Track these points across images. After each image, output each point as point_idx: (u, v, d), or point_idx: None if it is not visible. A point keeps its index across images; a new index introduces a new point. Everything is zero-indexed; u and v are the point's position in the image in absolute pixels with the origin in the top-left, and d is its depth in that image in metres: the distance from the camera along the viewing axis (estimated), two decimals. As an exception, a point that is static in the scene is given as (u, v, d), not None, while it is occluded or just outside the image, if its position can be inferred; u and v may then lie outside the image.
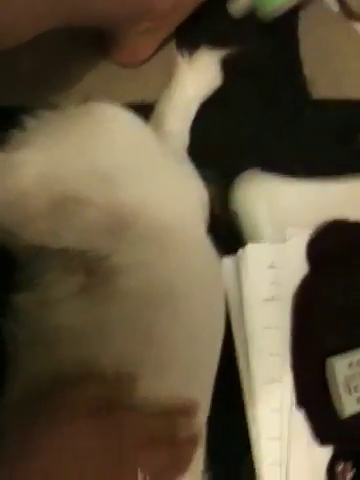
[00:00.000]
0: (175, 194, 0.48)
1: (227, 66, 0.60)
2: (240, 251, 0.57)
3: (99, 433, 0.42)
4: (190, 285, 0.47)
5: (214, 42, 0.60)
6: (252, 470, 0.55)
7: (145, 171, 0.47)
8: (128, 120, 0.47)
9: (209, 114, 0.60)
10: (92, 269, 0.43)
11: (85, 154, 0.44)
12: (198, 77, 0.58)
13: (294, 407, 0.56)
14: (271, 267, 0.56)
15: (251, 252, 0.56)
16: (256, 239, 0.58)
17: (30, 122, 0.44)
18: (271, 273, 0.56)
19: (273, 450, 0.55)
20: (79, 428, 0.41)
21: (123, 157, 0.45)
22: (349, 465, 0.56)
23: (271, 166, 0.60)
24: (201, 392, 0.49)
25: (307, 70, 0.66)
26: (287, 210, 0.58)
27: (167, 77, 0.59)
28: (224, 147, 0.61)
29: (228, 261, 0.57)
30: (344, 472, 0.56)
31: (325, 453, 0.56)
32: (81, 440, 0.41)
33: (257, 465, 0.55)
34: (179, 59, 0.59)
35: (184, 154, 0.56)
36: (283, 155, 0.62)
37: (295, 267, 0.57)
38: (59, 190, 0.42)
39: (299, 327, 0.56)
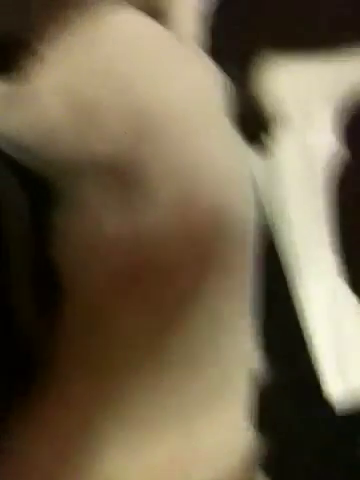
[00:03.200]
0: (195, 85, 0.46)
1: None
2: (265, 137, 0.56)
3: None
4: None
5: None
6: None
7: (163, 66, 0.45)
8: (140, 20, 0.45)
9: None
10: (124, 180, 0.43)
11: (100, 57, 0.42)
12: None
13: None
14: (300, 146, 0.56)
15: (278, 135, 0.55)
16: (282, 121, 0.57)
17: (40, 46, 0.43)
18: (301, 152, 0.56)
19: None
20: None
21: (139, 54, 0.43)
22: None
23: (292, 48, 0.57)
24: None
25: None
26: (311, 86, 0.56)
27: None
28: (240, 36, 0.58)
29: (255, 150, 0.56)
30: None
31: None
32: None
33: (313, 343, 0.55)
34: None
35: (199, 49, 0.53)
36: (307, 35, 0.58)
37: (325, 143, 0.56)
38: (78, 97, 0.41)
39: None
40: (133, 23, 0.45)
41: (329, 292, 0.56)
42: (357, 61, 0.57)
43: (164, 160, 0.43)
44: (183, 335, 0.41)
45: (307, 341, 0.56)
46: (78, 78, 0.41)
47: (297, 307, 0.56)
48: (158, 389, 0.40)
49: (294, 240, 0.56)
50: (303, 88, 0.56)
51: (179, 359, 0.40)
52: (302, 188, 0.56)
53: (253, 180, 0.53)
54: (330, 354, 0.55)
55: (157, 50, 0.45)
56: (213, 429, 0.45)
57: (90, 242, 0.43)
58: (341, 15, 0.60)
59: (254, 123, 0.57)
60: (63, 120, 0.40)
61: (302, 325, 0.56)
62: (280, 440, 0.50)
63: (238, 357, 0.45)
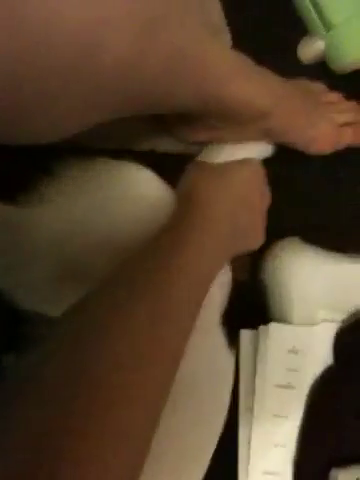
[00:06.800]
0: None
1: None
2: (261, 328, 0.52)
3: None
4: (197, 376, 0.42)
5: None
6: None
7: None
8: (155, 189, 0.42)
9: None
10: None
11: (102, 225, 0.39)
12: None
13: (289, 505, 0.52)
14: (292, 352, 0.51)
15: (273, 332, 0.51)
16: (281, 316, 0.53)
17: (58, 168, 0.40)
18: (291, 358, 0.51)
19: None
20: None
21: (143, 232, 0.41)
22: None
23: (314, 236, 0.55)
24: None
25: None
26: (323, 290, 0.53)
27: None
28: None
29: (246, 334, 0.52)
30: None
31: None
32: None
33: None
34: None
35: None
36: (333, 226, 0.56)
37: (319, 356, 0.51)
38: (67, 259, 0.38)
39: (310, 423, 0.51)
40: (147, 186, 0.43)
41: None
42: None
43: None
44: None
45: None
46: (76, 242, 0.38)
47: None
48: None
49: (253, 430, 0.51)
50: (312, 288, 0.53)
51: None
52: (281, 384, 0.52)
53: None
54: None
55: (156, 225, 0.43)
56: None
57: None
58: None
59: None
60: (47, 277, 0.37)
61: None
62: None
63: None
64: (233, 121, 0.44)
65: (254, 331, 0.52)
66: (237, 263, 0.52)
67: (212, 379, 0.43)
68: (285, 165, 0.56)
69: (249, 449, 0.51)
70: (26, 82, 0.28)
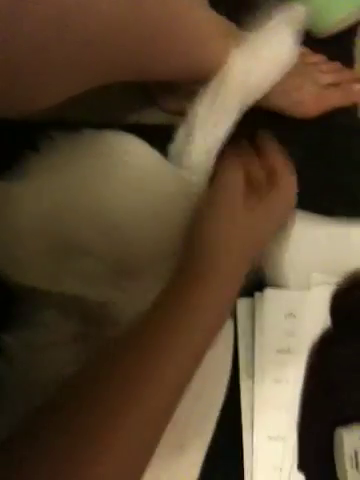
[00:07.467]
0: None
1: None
2: (257, 295, 0.52)
3: None
4: None
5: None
6: None
7: (157, 217, 0.41)
8: (144, 156, 0.42)
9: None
10: (88, 316, 0.39)
11: (91, 196, 0.39)
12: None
13: (295, 468, 0.52)
14: (289, 316, 0.52)
15: (269, 297, 0.51)
16: (276, 282, 0.53)
17: (43, 144, 0.40)
18: (288, 323, 0.51)
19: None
20: None
21: (134, 201, 0.40)
22: None
23: (305, 201, 0.55)
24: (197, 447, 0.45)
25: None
26: (315, 253, 0.53)
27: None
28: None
29: (244, 303, 0.53)
30: None
31: None
32: None
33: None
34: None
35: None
36: (321, 188, 0.56)
37: (316, 319, 0.52)
38: (58, 234, 0.38)
39: (312, 386, 0.51)
40: (136, 153, 0.42)
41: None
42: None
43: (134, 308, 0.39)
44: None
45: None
46: (64, 214, 0.37)
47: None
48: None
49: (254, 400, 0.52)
50: (304, 252, 0.53)
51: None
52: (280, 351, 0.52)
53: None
54: None
55: (156, 186, 0.42)
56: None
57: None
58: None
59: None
60: (36, 252, 0.37)
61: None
62: None
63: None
64: None
65: (250, 299, 0.53)
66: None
67: (212, 350, 0.43)
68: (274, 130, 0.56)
69: (252, 416, 0.52)
70: (21, 33, 0.29)
